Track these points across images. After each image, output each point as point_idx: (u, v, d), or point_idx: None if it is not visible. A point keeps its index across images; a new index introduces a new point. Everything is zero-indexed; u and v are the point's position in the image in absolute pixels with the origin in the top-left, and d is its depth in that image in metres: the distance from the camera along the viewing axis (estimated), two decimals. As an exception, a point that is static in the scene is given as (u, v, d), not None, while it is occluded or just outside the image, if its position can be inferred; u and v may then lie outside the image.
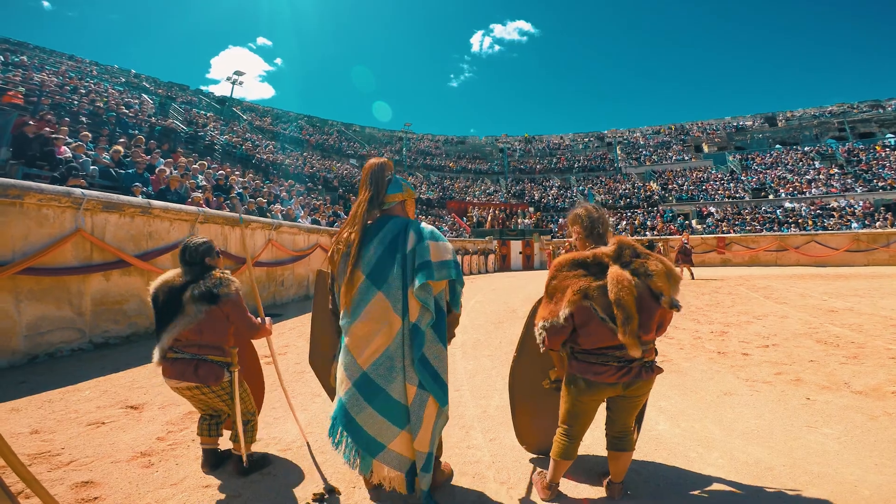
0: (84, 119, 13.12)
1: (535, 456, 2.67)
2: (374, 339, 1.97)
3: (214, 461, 2.51)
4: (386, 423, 1.99)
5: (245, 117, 33.40)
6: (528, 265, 25.50)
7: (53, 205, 4.96)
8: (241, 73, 35.87)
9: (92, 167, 8.04)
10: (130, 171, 8.54)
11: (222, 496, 2.27)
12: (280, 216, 11.78)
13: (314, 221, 13.34)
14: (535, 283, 14.88)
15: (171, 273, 2.39)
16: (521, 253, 25.61)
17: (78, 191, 5.26)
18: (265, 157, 23.60)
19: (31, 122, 8.71)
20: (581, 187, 34.91)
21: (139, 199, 6.16)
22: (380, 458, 2.02)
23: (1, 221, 4.53)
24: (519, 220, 27.77)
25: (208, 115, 28.10)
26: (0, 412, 3.36)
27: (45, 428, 3.09)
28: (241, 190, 12.13)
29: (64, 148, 8.18)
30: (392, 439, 2.01)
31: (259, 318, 2.54)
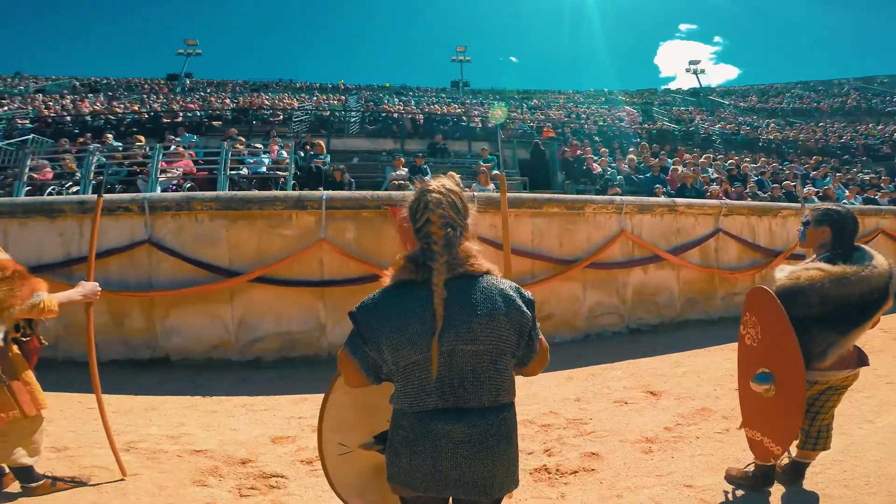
0: (596, 138, 15.60)
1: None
2: None
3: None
4: None
5: (727, 102, 31.08)
6: None
7: (602, 212, 5.85)
8: (695, 62, 34.09)
9: (619, 177, 9.33)
10: (647, 174, 9.28)
11: (691, 499, 2.19)
12: (815, 199, 9.79)
13: (867, 200, 10.35)
14: None
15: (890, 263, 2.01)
16: None
17: (618, 198, 6.13)
18: (771, 136, 20.71)
19: (566, 148, 11.12)
20: None
21: (664, 199, 6.64)
22: None
23: (571, 228, 5.69)
24: None
25: (690, 109, 27.74)
26: (559, 379, 4.02)
27: (585, 398, 3.63)
28: (759, 176, 11.01)
29: (595, 164, 9.91)
30: None
31: None
